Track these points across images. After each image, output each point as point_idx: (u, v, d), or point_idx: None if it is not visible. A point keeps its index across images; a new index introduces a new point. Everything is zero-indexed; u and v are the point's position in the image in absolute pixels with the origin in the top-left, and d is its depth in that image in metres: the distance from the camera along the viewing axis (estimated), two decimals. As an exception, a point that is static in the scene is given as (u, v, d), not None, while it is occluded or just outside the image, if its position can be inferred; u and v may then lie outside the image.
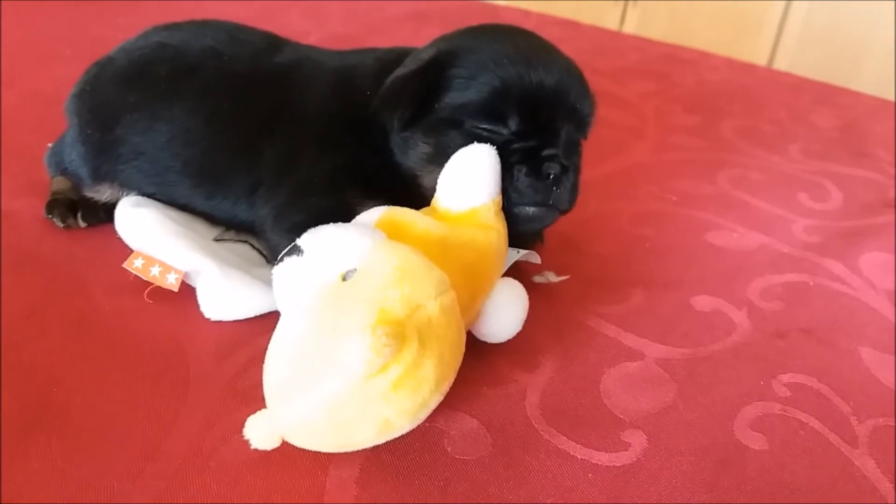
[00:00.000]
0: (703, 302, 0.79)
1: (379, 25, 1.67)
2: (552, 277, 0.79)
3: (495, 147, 0.65)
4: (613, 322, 0.74)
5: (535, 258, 0.81)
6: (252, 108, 0.77)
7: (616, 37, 1.89)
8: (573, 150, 0.70)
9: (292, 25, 1.60)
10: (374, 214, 0.61)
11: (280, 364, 0.51)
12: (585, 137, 0.73)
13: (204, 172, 0.78)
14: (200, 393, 0.61)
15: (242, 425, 0.55)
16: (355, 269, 0.52)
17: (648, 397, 0.64)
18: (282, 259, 0.55)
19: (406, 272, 0.52)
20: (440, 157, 0.67)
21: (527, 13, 1.90)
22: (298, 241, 0.55)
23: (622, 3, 3.04)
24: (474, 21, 1.48)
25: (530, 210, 0.68)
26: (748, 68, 1.72)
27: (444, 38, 0.73)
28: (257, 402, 0.59)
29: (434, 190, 0.68)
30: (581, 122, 0.70)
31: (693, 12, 2.90)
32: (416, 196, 0.70)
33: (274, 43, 0.84)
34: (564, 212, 0.71)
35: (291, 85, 0.78)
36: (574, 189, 0.70)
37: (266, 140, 0.75)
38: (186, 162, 0.78)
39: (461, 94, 0.66)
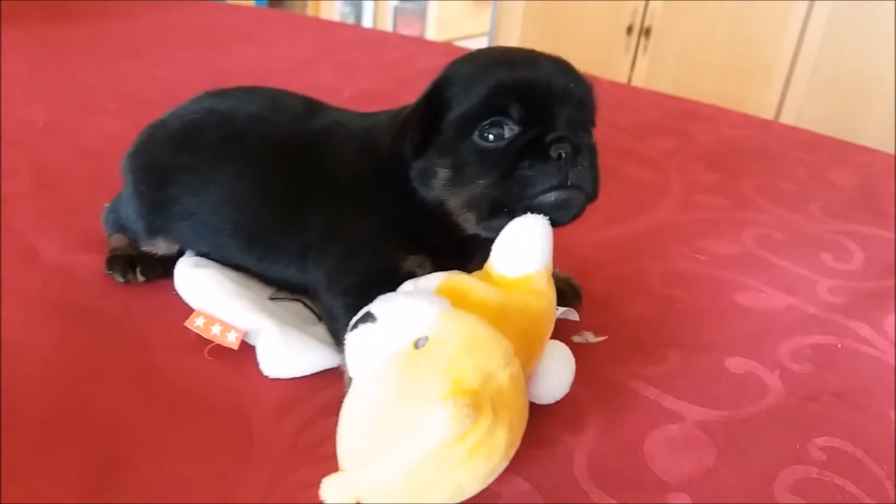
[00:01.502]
0: (736, 364, 0.82)
1: (407, 80, 1.72)
2: (591, 338, 0.82)
3: (502, 148, 0.68)
4: (652, 384, 0.77)
5: (574, 315, 0.85)
6: (293, 173, 0.81)
7: (635, 92, 1.94)
8: (581, 131, 0.71)
9: (325, 81, 1.66)
10: (434, 281, 0.65)
11: (357, 429, 0.55)
12: (593, 123, 0.74)
13: (254, 236, 0.81)
14: (263, 451, 0.64)
15: (305, 484, 0.59)
16: (426, 337, 0.55)
17: (690, 460, 0.67)
18: (356, 325, 0.58)
19: (476, 342, 0.55)
20: (459, 178, 0.70)
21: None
22: (371, 309, 0.58)
23: (632, 51, 3.11)
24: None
25: (552, 196, 0.68)
26: (765, 125, 1.77)
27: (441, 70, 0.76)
28: (319, 461, 0.62)
29: (460, 210, 0.71)
30: (580, 103, 0.71)
31: (702, 59, 2.96)
32: (451, 240, 0.75)
33: (311, 107, 0.88)
34: (590, 197, 0.71)
35: (326, 150, 0.81)
36: (594, 169, 0.71)
37: (309, 206, 0.79)
38: (237, 225, 0.82)
39: (461, 106, 0.70)
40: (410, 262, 0.75)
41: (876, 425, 0.74)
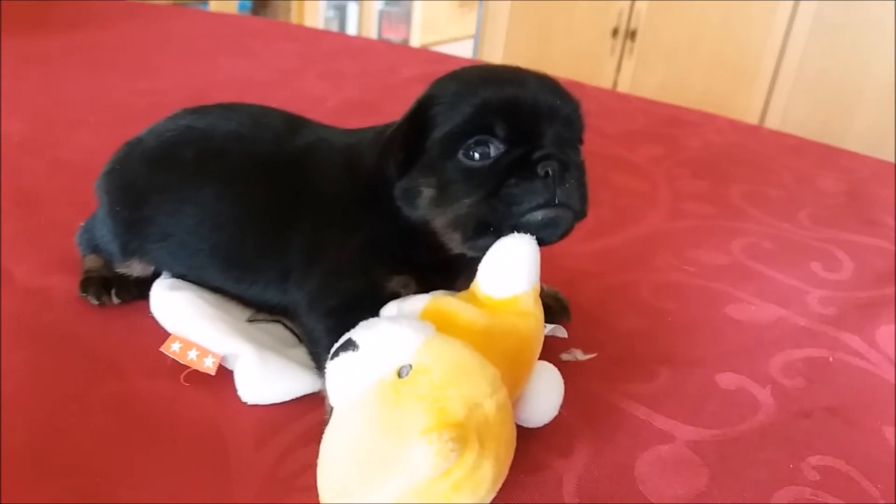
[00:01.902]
0: (727, 379, 0.80)
1: (393, 89, 1.71)
2: (579, 355, 0.81)
3: (487, 167, 0.66)
4: (643, 403, 0.75)
5: (562, 332, 0.83)
6: (274, 193, 0.79)
7: (621, 99, 1.93)
8: (569, 149, 0.70)
9: (310, 90, 1.64)
10: (419, 304, 0.63)
11: (339, 462, 0.53)
12: (581, 140, 0.73)
13: (232, 258, 0.79)
14: (242, 481, 0.62)
15: (286, 516, 0.57)
16: (410, 365, 0.54)
17: (682, 483, 0.65)
18: (336, 353, 0.56)
19: (461, 370, 0.54)
20: (444, 197, 0.69)
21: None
22: (353, 336, 0.56)
23: (618, 53, 3.11)
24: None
25: (539, 215, 0.66)
26: (752, 130, 1.76)
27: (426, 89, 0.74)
28: (299, 491, 0.61)
29: (445, 230, 0.69)
30: (567, 121, 0.70)
31: (688, 62, 2.96)
32: (437, 259, 0.72)
33: (292, 124, 0.85)
34: (579, 215, 0.69)
35: (309, 168, 0.79)
36: (582, 186, 0.69)
37: (292, 227, 0.76)
38: (215, 247, 0.80)
39: (446, 125, 0.68)
40: (395, 282, 0.73)
41: (869, 442, 0.73)
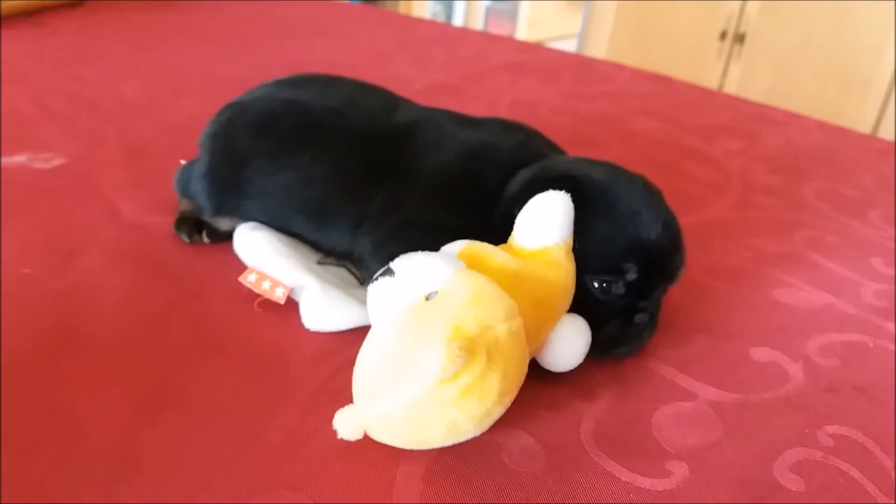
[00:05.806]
0: (760, 353, 0.84)
1: (479, 74, 1.78)
2: (617, 318, 0.85)
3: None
4: (672, 365, 0.79)
5: None
6: (368, 159, 0.86)
7: (709, 94, 1.93)
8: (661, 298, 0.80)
9: (398, 72, 1.73)
10: (457, 247, 0.70)
11: (369, 368, 0.61)
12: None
13: (318, 210, 0.87)
14: (297, 391, 0.71)
15: (331, 420, 0.65)
16: (437, 292, 0.61)
17: (696, 434, 0.70)
18: (377, 278, 0.64)
19: (480, 297, 0.61)
20: None
21: (620, 67, 1.96)
22: (392, 265, 0.64)
23: (725, 57, 3.07)
24: (569, 74, 1.55)
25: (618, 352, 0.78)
26: (839, 132, 1.73)
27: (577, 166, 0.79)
28: (345, 401, 0.68)
29: None
30: (675, 279, 0.79)
31: (798, 68, 2.88)
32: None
33: (390, 105, 0.92)
34: None
35: (409, 142, 0.86)
36: (653, 329, 0.80)
37: (377, 185, 0.84)
38: (304, 201, 0.88)
39: (589, 240, 0.74)
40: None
41: (891, 419, 0.75)
